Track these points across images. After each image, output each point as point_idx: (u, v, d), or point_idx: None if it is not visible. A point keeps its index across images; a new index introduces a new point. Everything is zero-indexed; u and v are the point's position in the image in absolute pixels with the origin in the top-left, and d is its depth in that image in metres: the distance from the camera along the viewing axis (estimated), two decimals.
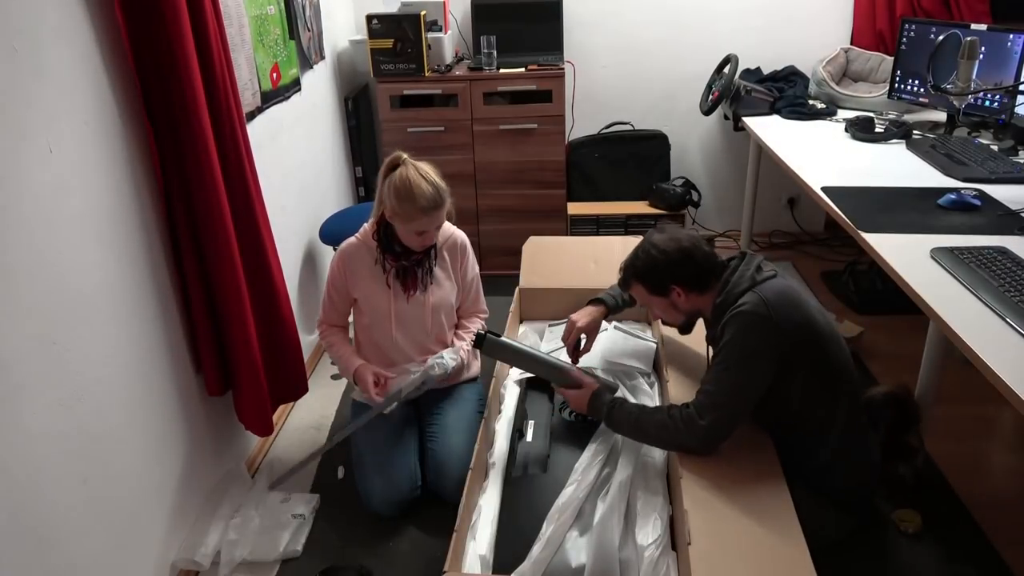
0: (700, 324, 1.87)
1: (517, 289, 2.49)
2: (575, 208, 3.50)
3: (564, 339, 2.04)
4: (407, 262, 2.07)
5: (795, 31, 3.44)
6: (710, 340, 1.80)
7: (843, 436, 1.69)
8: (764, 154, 3.06)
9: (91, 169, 1.54)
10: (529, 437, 1.89)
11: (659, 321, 2.22)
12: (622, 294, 2.03)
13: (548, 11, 3.37)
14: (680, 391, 1.87)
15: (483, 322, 2.28)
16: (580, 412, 1.84)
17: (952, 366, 2.05)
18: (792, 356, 1.60)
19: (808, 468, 1.70)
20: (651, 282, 1.75)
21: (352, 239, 2.13)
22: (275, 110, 2.51)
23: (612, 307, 2.05)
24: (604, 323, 2.19)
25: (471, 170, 3.35)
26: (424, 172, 1.94)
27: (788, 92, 3.14)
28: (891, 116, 2.88)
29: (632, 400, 1.97)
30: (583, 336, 2.03)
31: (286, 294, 2.12)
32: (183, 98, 1.67)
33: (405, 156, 1.98)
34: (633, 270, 1.78)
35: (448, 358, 2.06)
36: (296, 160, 2.74)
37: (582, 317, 2.02)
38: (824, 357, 1.64)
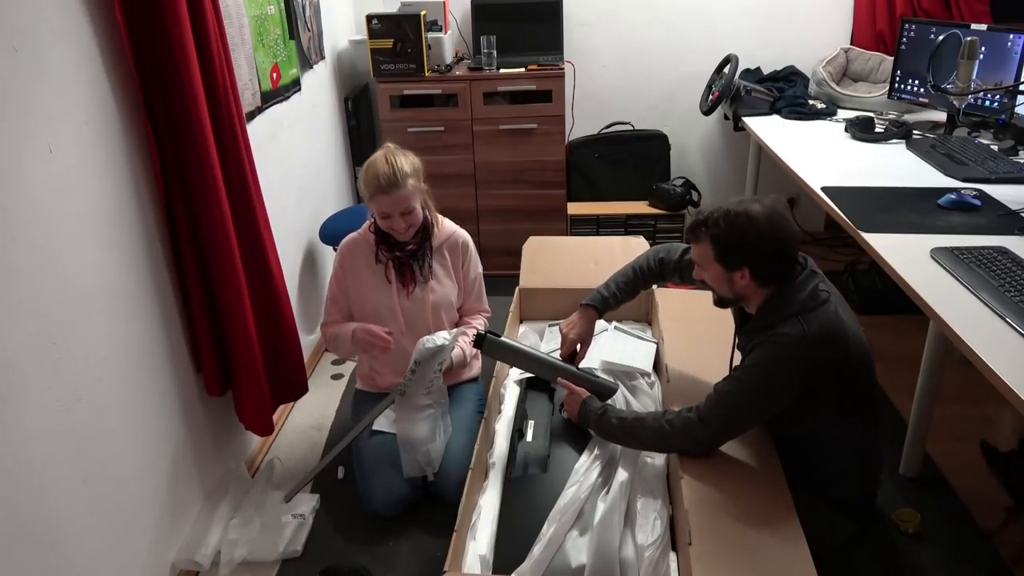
0: (696, 320, 1.86)
1: (517, 289, 2.49)
2: (575, 208, 3.49)
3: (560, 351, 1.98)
4: (401, 253, 2.08)
5: (795, 31, 3.44)
6: (739, 347, 1.73)
7: (856, 451, 1.68)
8: (764, 154, 3.06)
9: (91, 169, 1.54)
10: (529, 437, 1.89)
11: (659, 321, 2.22)
12: (616, 292, 1.97)
13: (548, 11, 3.37)
14: (680, 392, 1.87)
15: (485, 320, 2.29)
16: (572, 419, 1.83)
17: (952, 366, 2.06)
18: (816, 388, 1.55)
19: (816, 476, 1.68)
20: (724, 250, 1.57)
21: (354, 234, 2.16)
22: (275, 110, 2.50)
23: (602, 310, 1.97)
24: (604, 323, 2.18)
25: (471, 170, 3.34)
26: (392, 156, 1.98)
27: (788, 92, 3.14)
28: (891, 116, 2.88)
29: (632, 401, 1.97)
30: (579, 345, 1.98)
31: (286, 294, 2.11)
32: (183, 98, 1.67)
33: (391, 145, 2.03)
34: (716, 228, 1.56)
35: (440, 336, 1.97)
36: (296, 160, 2.74)
37: (572, 328, 1.95)
38: (849, 390, 1.60)
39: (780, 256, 1.56)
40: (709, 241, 1.58)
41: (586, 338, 1.98)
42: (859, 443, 1.68)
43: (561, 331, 1.99)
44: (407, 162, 1.99)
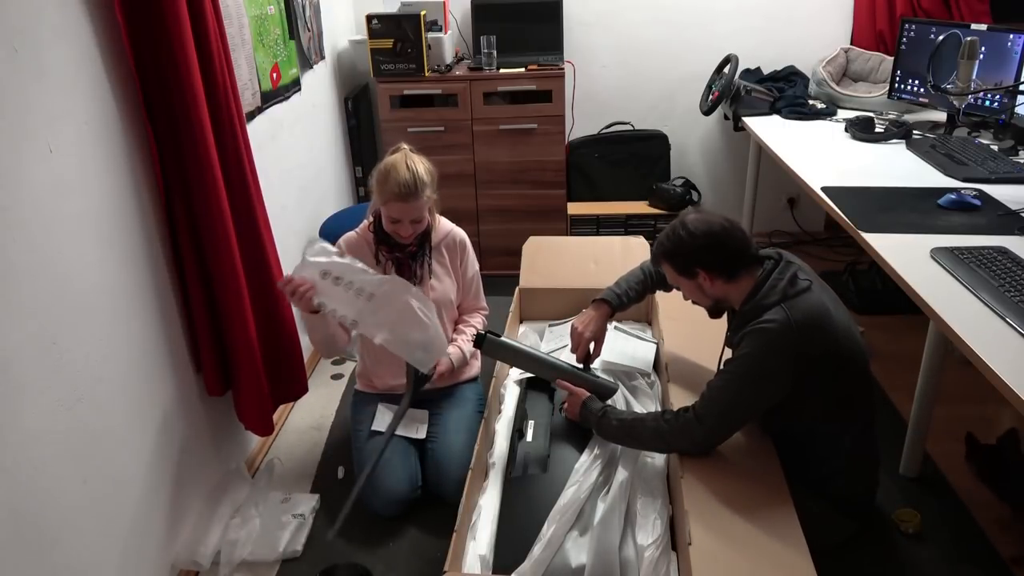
0: (696, 321, 1.86)
1: (517, 289, 2.49)
2: (575, 208, 3.50)
3: (573, 350, 1.97)
4: (401, 254, 2.08)
5: (795, 31, 3.44)
6: (728, 343, 1.74)
7: (853, 447, 1.68)
8: (764, 154, 3.06)
9: (91, 169, 1.54)
10: (529, 437, 1.89)
11: (659, 321, 2.22)
12: (627, 291, 1.97)
13: (548, 11, 3.37)
14: (680, 392, 1.87)
15: (484, 318, 2.29)
16: (573, 419, 1.83)
17: (952, 366, 2.06)
18: (808, 378, 1.55)
19: (813, 474, 1.69)
20: (677, 263, 1.68)
21: (351, 233, 2.16)
22: (275, 110, 2.50)
23: (616, 306, 1.96)
24: None
25: (471, 170, 3.35)
26: (411, 161, 1.96)
27: (788, 92, 3.14)
28: (891, 116, 2.88)
29: (632, 401, 1.97)
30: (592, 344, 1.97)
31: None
32: (183, 98, 1.67)
33: (407, 147, 2.01)
34: (662, 248, 1.71)
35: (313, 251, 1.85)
36: (296, 160, 2.74)
37: (587, 326, 1.94)
38: (842, 381, 1.60)
39: (721, 246, 1.62)
40: (664, 260, 1.71)
41: (600, 336, 1.97)
42: (855, 440, 1.68)
43: (575, 329, 1.96)
44: (425, 171, 1.97)
